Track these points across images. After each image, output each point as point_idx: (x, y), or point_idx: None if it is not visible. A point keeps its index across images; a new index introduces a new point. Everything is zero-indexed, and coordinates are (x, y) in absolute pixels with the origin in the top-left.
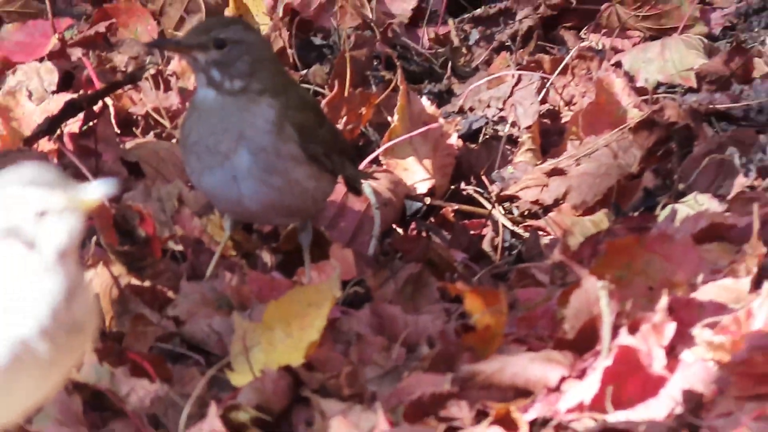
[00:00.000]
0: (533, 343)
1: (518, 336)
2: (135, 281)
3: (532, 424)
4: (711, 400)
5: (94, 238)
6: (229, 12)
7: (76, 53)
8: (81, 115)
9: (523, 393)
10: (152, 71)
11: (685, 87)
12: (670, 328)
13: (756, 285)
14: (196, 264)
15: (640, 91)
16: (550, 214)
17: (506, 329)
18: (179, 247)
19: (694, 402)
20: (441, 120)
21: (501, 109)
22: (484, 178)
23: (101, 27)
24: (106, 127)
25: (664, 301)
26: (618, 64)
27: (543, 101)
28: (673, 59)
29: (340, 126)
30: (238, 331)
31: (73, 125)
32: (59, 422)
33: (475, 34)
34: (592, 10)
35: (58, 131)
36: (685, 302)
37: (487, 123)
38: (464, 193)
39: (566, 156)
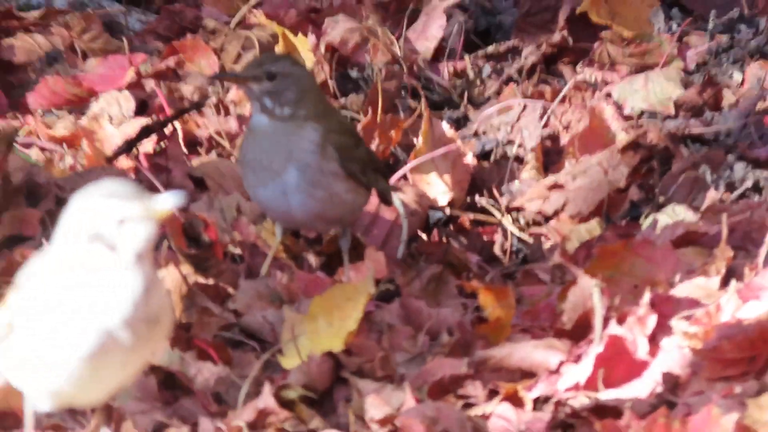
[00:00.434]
0: (536, 333)
1: (524, 326)
2: (201, 279)
3: (536, 400)
4: (686, 381)
5: (166, 243)
6: (278, 49)
7: (149, 84)
8: (154, 137)
9: (528, 374)
10: (214, 100)
11: (664, 114)
12: (652, 320)
13: (724, 283)
14: (252, 264)
15: (627, 118)
16: (551, 223)
17: (514, 321)
18: (238, 251)
19: (672, 383)
20: (458, 142)
21: (509, 133)
22: (495, 191)
23: (171, 62)
24: (176, 147)
25: (647, 297)
26: (608, 95)
27: (545, 126)
28: (655, 90)
29: (373, 146)
30: (287, 322)
31: (148, 146)
32: (137, 399)
33: (487, 69)
34: (586, 48)
35: (135, 151)
36: (664, 298)
37: (497, 144)
38: (478, 204)
39: (564, 173)
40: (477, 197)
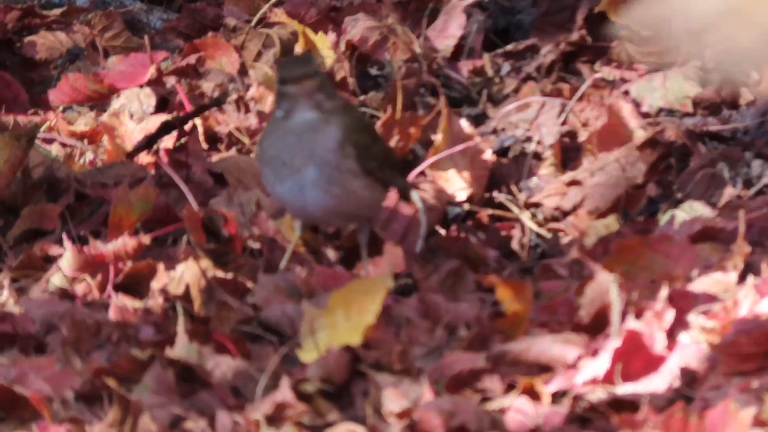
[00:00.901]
0: (554, 327)
1: (542, 321)
2: (220, 273)
3: (553, 394)
4: (703, 375)
5: (185, 238)
6: (299, 47)
7: (170, 81)
8: (174, 133)
9: (545, 369)
10: (234, 96)
11: (682, 112)
12: (670, 315)
13: (742, 279)
14: (271, 259)
15: (645, 115)
16: (569, 218)
17: (531, 315)
18: (257, 245)
19: (689, 377)
20: (477, 138)
21: (528, 130)
22: (513, 187)
23: (191, 59)
24: (196, 143)
25: (664, 292)
26: (626, 93)
27: (563, 123)
28: (673, 88)
29: (392, 143)
30: (306, 316)
31: (168, 141)
32: (155, 392)
33: (506, 67)
34: (604, 46)
35: (155, 147)
36: (682, 293)
37: (516, 141)
38: (497, 200)
39: (582, 169)
40: (495, 193)
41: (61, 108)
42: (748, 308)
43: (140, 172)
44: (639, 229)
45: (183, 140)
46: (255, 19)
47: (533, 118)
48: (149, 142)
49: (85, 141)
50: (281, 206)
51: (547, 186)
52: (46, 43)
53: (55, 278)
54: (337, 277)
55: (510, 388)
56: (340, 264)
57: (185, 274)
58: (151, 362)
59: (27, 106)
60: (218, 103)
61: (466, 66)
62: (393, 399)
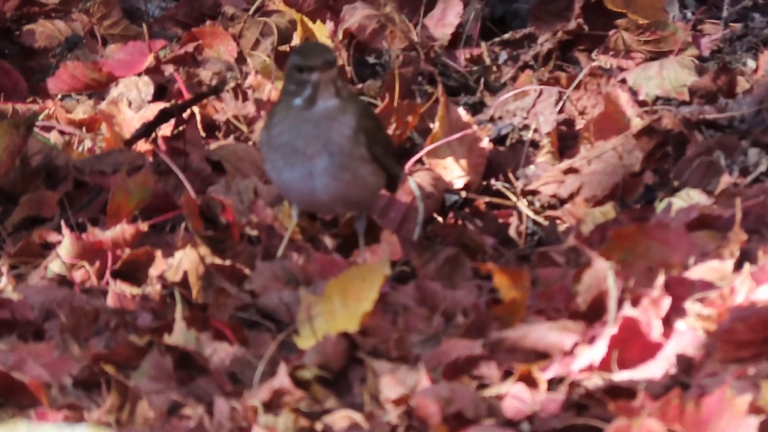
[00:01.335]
0: (551, 314)
1: (539, 308)
2: (218, 260)
3: (550, 381)
4: (700, 362)
5: (183, 225)
6: (297, 35)
7: (168, 69)
8: (172, 121)
9: (542, 356)
10: (232, 84)
11: (679, 100)
12: (666, 302)
13: (738, 266)
14: (269, 246)
15: (642, 104)
16: (566, 206)
17: (529, 302)
18: (254, 232)
19: (685, 364)
20: (475, 127)
21: (525, 118)
22: (510, 175)
23: (189, 47)
24: (194, 131)
25: (661, 279)
26: (623, 81)
27: (560, 111)
28: (670, 77)
29: (390, 131)
30: (303, 303)
31: (166, 129)
32: (153, 378)
33: (503, 55)
34: (601, 35)
35: (153, 134)
36: (678, 280)
37: (513, 129)
38: (494, 188)
39: (580, 157)
40: (492, 181)
41: (59, 96)
42: (744, 295)
43: (138, 159)
44: (636, 217)
45: (181, 128)
46: (253, 8)
47: (530, 106)
48: (147, 130)
49: (84, 129)
50: (282, 193)
51: (544, 174)
52: (44, 31)
53: (54, 265)
54: (335, 264)
55: (507, 374)
56: (338, 251)
57: (183, 261)
58: (149, 349)
59: (26, 94)
60: (216, 91)
61: (463, 54)
62: (390, 386)
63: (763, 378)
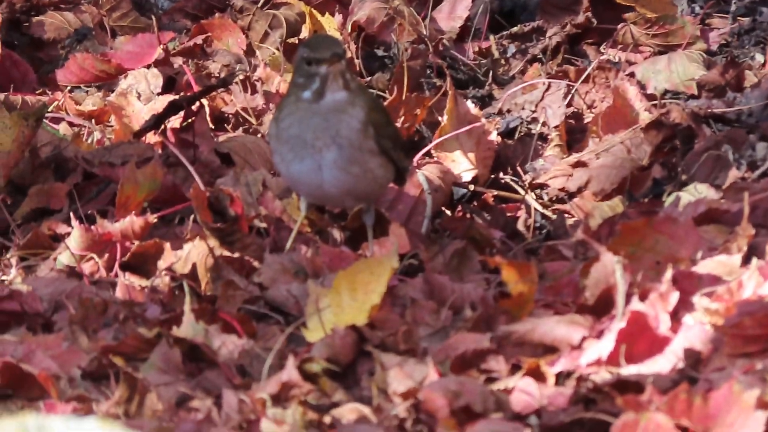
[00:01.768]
0: (559, 308)
1: (547, 302)
2: (226, 253)
3: (558, 375)
4: (708, 357)
5: (192, 217)
6: (306, 28)
7: (177, 61)
8: (181, 113)
9: (550, 350)
10: (241, 77)
11: (687, 94)
12: (674, 296)
13: (746, 261)
14: (278, 239)
15: (650, 97)
16: (575, 200)
17: (536, 296)
18: (263, 225)
19: (693, 358)
20: (483, 120)
21: (533, 111)
22: (519, 168)
23: (198, 39)
24: (202, 123)
25: (669, 273)
26: (632, 75)
27: (569, 105)
28: (678, 71)
29: (398, 124)
30: (312, 296)
31: (175, 121)
32: (162, 370)
33: (512, 48)
34: (610, 29)
35: (162, 126)
36: (686, 275)
37: (521, 123)
38: (502, 181)
39: (588, 151)
40: (501, 174)
41: (68, 88)
42: (752, 290)
43: (147, 151)
44: (644, 211)
45: (190, 120)
46: (262, 0)
47: (539, 99)
48: (156, 122)
49: (93, 121)
50: (290, 186)
51: (553, 167)
52: (54, 23)
53: (63, 257)
54: (343, 257)
55: (515, 368)
56: (346, 244)
57: (192, 254)
58: (158, 341)
59: (35, 86)
60: (225, 83)
61: (472, 47)
62: (398, 379)
63: None
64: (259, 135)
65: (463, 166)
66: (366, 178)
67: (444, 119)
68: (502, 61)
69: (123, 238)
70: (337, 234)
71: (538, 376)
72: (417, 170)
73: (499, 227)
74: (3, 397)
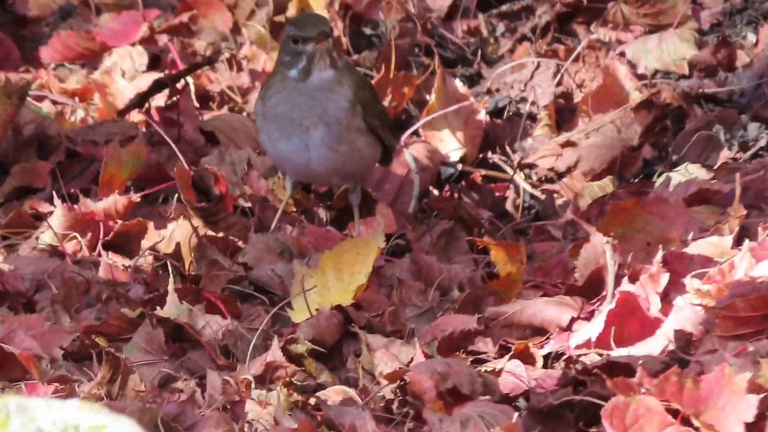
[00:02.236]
0: (548, 289)
1: (535, 283)
2: (210, 232)
3: (547, 357)
4: (699, 339)
5: (176, 196)
6: (293, 6)
7: (162, 39)
8: (166, 92)
9: (539, 331)
10: (227, 55)
11: (678, 74)
12: (665, 278)
13: (738, 242)
14: (262, 218)
15: (641, 77)
16: (564, 180)
17: (525, 277)
18: (248, 204)
19: (684, 340)
20: (471, 99)
21: (522, 91)
22: (507, 148)
23: (184, 17)
24: (187, 101)
25: (659, 254)
26: (622, 54)
27: (558, 84)
28: (669, 50)
29: (386, 103)
30: (297, 276)
31: (160, 100)
32: (145, 351)
33: (501, 27)
34: (600, 7)
35: (147, 105)
36: (677, 255)
37: (510, 102)
38: (491, 161)
39: (577, 131)
40: (489, 154)
41: (52, 65)
42: (743, 271)
43: (131, 130)
44: (634, 191)
45: (175, 98)
46: None
47: (528, 78)
48: (141, 101)
49: (77, 99)
50: (276, 165)
51: (542, 147)
52: (38, 0)
53: (45, 236)
54: (329, 237)
55: (503, 350)
56: (332, 224)
57: (176, 233)
58: (141, 321)
59: (18, 63)
60: (210, 61)
61: (460, 26)
62: (385, 360)
63: (763, 355)
64: (244, 114)
65: (451, 145)
66: (353, 156)
67: (432, 98)
68: (491, 40)
69: (106, 217)
70: (322, 213)
71: (526, 357)
72: (404, 149)
73: (487, 207)
74: None
